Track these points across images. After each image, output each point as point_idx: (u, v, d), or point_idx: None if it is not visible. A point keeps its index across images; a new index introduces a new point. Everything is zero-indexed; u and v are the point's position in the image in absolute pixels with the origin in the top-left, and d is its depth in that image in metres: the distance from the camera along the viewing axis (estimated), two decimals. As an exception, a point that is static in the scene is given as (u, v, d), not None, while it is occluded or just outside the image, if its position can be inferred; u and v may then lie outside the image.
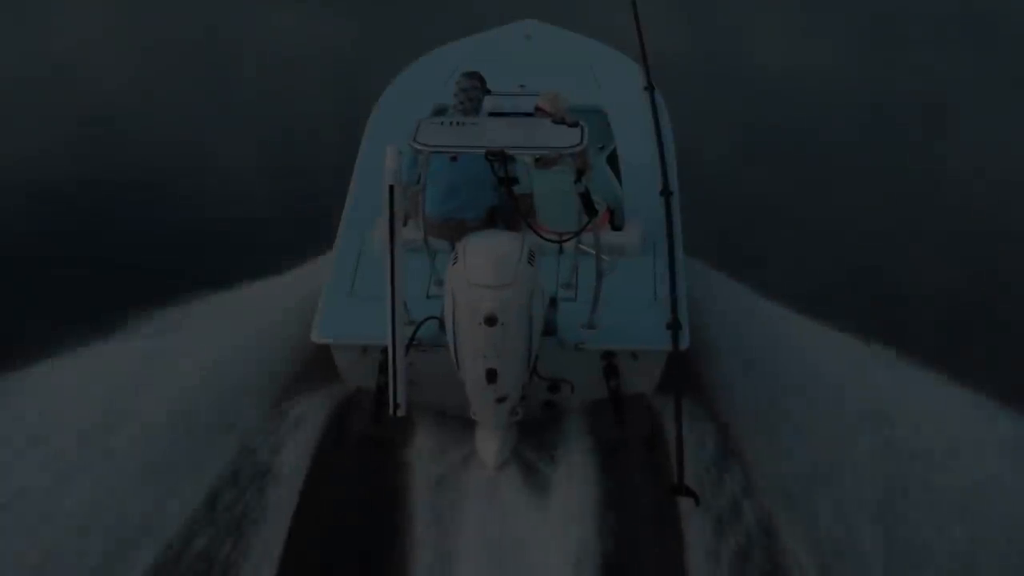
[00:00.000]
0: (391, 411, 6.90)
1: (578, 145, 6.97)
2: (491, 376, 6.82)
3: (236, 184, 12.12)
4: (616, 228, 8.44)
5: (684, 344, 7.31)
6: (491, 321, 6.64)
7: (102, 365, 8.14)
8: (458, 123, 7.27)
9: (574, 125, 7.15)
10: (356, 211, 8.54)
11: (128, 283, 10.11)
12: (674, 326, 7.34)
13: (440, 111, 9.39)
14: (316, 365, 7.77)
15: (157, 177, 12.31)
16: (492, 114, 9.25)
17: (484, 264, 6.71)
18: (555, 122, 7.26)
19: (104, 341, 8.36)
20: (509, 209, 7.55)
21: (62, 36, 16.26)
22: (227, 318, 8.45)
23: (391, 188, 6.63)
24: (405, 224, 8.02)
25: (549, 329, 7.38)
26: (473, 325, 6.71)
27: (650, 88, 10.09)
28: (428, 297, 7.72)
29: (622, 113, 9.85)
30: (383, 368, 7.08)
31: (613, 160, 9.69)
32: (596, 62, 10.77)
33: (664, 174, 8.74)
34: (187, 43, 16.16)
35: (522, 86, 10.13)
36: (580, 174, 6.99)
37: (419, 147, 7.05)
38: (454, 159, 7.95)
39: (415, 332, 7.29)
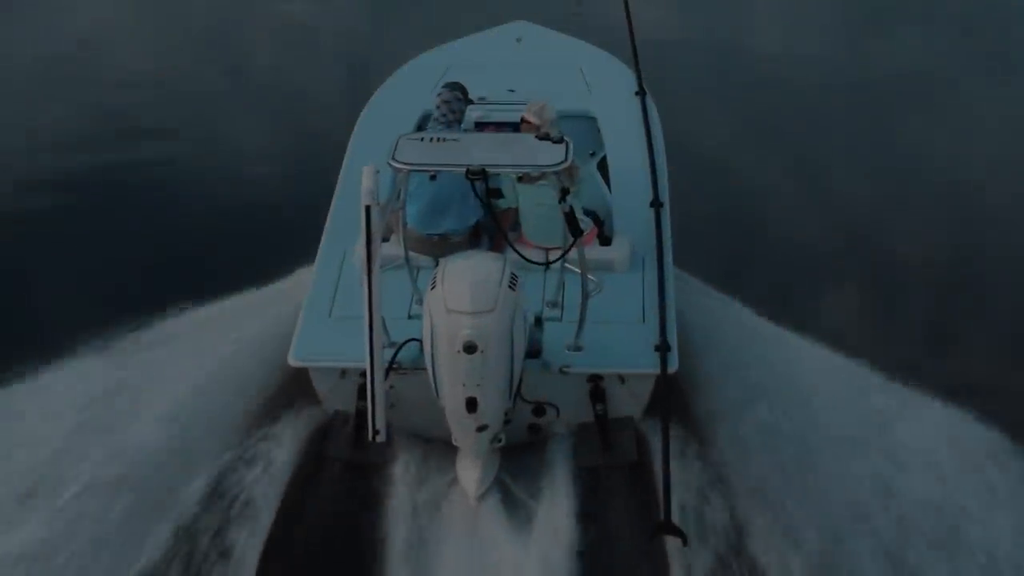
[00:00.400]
0: (370, 437, 6.52)
1: (562, 163, 6.53)
2: (471, 405, 6.42)
3: (241, 177, 11.93)
4: (604, 242, 8.00)
5: (673, 367, 6.92)
6: (470, 349, 6.25)
7: (81, 384, 7.75)
8: (438, 139, 6.83)
9: (559, 141, 6.71)
10: (337, 227, 8.11)
11: (122, 286, 9.85)
12: (662, 348, 6.95)
13: (427, 119, 8.96)
14: (295, 387, 7.36)
15: (162, 171, 12.14)
16: (478, 124, 8.88)
17: (462, 289, 6.30)
18: (539, 138, 6.82)
19: (89, 354, 8.05)
20: (496, 221, 7.14)
21: (76, 19, 16.23)
22: (209, 333, 8.08)
23: (368, 208, 6.23)
24: (387, 240, 7.67)
25: (534, 351, 6.99)
26: (451, 353, 6.31)
27: (642, 93, 9.71)
28: (410, 317, 7.32)
29: (612, 119, 9.43)
30: (362, 392, 6.69)
31: (604, 166, 9.28)
32: (586, 65, 10.37)
33: (655, 185, 8.34)
34: (200, 25, 16.19)
35: (511, 90, 9.76)
36: (565, 193, 6.56)
37: (398, 166, 6.62)
38: (433, 177, 7.53)
39: (395, 355, 6.91)
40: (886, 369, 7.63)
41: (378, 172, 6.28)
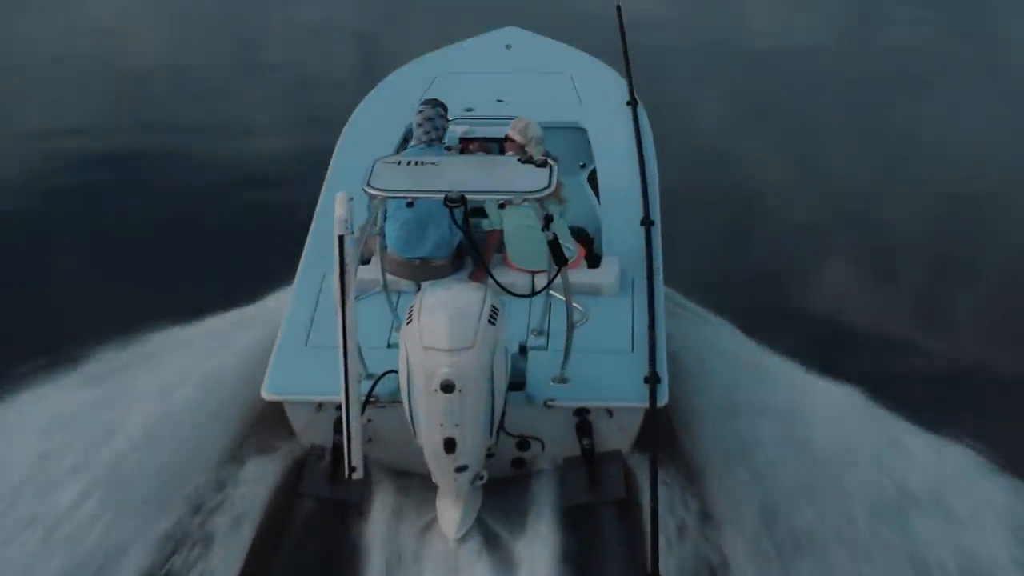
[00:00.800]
0: (346, 474, 6.09)
1: (545, 189, 6.08)
2: (449, 446, 5.98)
3: (241, 185, 11.53)
4: (592, 263, 7.55)
5: (663, 400, 6.48)
6: (447, 388, 5.82)
7: (50, 412, 7.29)
8: (416, 163, 6.38)
9: (542, 165, 6.26)
10: (317, 248, 7.64)
11: (104, 296, 9.40)
12: (651, 380, 6.50)
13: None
14: (270, 419, 6.91)
15: (155, 172, 11.88)
16: (463, 139, 8.43)
17: (439, 325, 5.86)
18: (522, 161, 6.37)
19: (54, 376, 7.63)
20: (477, 252, 6.67)
21: (89, 10, 16.37)
22: (185, 358, 7.60)
23: (340, 239, 5.78)
24: (367, 263, 7.23)
25: (517, 383, 6.56)
26: (428, 392, 5.88)
27: (633, 103, 9.25)
28: (389, 346, 6.88)
29: (603, 131, 8.98)
30: (339, 426, 6.25)
31: (594, 179, 8.84)
32: (577, 73, 9.93)
33: (646, 202, 7.90)
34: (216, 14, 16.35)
35: (500, 100, 9.34)
36: (548, 220, 6.10)
37: (373, 192, 6.16)
38: (410, 204, 7.07)
39: (372, 388, 6.48)
40: (892, 404, 7.11)
41: (351, 200, 5.84)
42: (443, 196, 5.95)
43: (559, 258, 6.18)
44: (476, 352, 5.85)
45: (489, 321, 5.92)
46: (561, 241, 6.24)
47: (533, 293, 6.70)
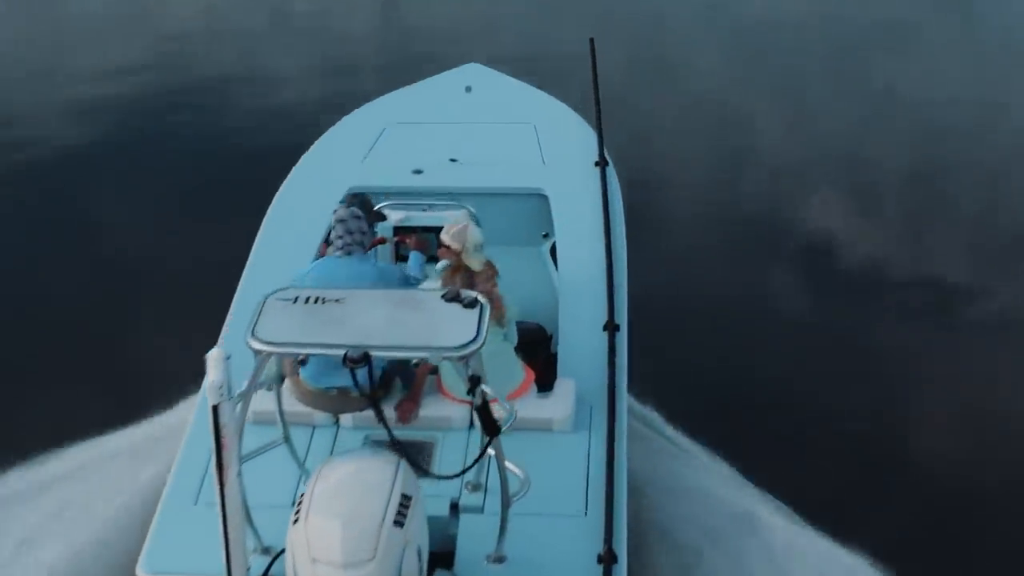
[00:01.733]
0: None
1: (470, 344, 4.67)
2: None
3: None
4: (545, 383, 6.11)
5: None
6: None
7: None
8: (315, 299, 4.95)
9: (471, 305, 4.85)
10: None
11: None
12: (607, 560, 5.13)
13: (356, 197, 6.87)
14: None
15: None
16: (398, 230, 7.00)
17: (331, 533, 4.50)
18: (447, 299, 4.95)
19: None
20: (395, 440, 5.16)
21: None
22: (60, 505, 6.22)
23: (216, 408, 4.41)
24: (280, 386, 5.80)
25: (446, 553, 5.23)
26: None
27: (602, 163, 7.81)
28: (294, 504, 5.47)
29: (566, 202, 7.55)
30: None
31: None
32: (541, 123, 8.48)
33: (611, 302, 6.49)
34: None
35: (453, 160, 7.96)
36: (475, 383, 4.70)
37: (258, 347, 4.75)
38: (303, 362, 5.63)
39: (268, 569, 5.12)
40: None
41: (228, 359, 4.44)
42: (342, 354, 4.60)
43: (490, 427, 4.81)
44: (377, 566, 4.48)
45: (395, 522, 4.53)
46: (494, 392, 4.89)
47: (462, 471, 5.28)
